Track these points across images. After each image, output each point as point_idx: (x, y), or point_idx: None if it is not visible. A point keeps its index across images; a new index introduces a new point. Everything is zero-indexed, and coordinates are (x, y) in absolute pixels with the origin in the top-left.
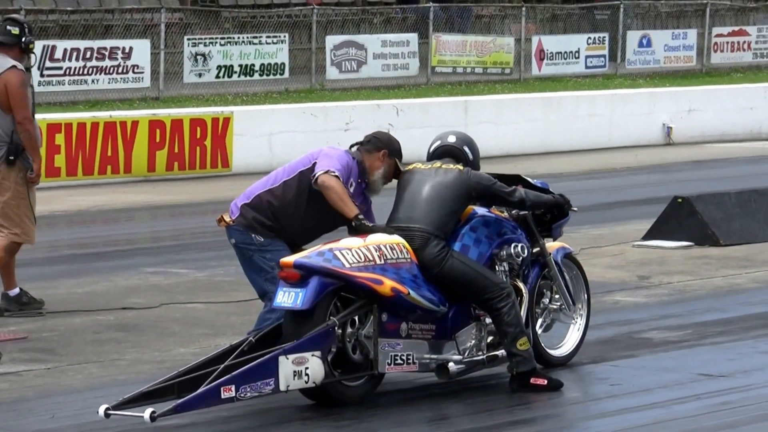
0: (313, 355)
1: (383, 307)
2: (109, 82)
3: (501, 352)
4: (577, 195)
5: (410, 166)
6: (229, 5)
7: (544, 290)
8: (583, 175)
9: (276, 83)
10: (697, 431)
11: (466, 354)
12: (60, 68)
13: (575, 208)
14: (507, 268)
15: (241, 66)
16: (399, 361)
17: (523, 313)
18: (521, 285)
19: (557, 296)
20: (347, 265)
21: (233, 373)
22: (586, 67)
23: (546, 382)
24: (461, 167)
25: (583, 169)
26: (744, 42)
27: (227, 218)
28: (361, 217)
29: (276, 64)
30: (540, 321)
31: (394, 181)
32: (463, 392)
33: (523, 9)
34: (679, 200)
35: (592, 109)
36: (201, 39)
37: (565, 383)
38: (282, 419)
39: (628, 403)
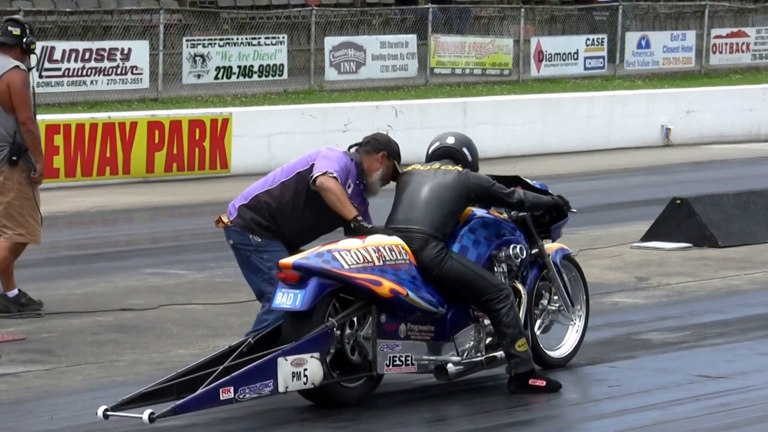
0: (311, 357)
1: (382, 308)
2: (107, 83)
3: (500, 354)
4: (575, 196)
5: (409, 168)
6: (227, 6)
7: (543, 291)
8: (581, 177)
9: (275, 84)
10: None
11: (465, 355)
12: (59, 69)
13: (574, 210)
14: (506, 270)
15: (239, 67)
16: (398, 362)
17: (521, 314)
18: (520, 286)
19: (556, 297)
20: (346, 267)
21: (232, 374)
22: (585, 68)
23: (544, 383)
24: (460, 168)
25: (581, 171)
26: (743, 43)
27: (225, 219)
28: (359, 218)
29: (275, 65)
30: (539, 322)
31: (392, 183)
32: (462, 393)
33: (522, 10)
34: (678, 201)
35: (590, 110)
36: (200, 40)
37: (564, 384)
38: (281, 420)
39: (627, 405)
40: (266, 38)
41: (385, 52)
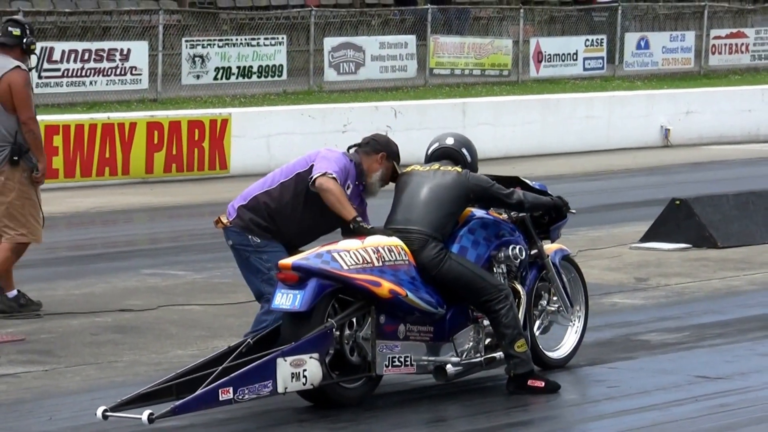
0: (311, 357)
1: (381, 309)
2: (107, 84)
3: (499, 354)
4: (574, 197)
5: (408, 168)
6: (227, 7)
7: (542, 292)
8: (581, 177)
9: (274, 85)
10: None
11: (464, 356)
12: (58, 70)
13: (573, 210)
14: (505, 270)
15: (239, 68)
16: (397, 363)
17: (520, 315)
18: (519, 287)
19: (555, 298)
20: (345, 267)
21: (231, 375)
22: (584, 69)
23: (543, 384)
24: (459, 169)
25: (581, 171)
26: (742, 44)
27: (224, 220)
28: (359, 219)
29: (274, 65)
30: (538, 323)
31: (392, 184)
32: (461, 394)
33: (521, 11)
34: (677, 202)
35: (590, 110)
36: (199, 41)
37: (563, 385)
38: (280, 421)
39: (626, 405)
40: (265, 39)
41: (384, 52)
